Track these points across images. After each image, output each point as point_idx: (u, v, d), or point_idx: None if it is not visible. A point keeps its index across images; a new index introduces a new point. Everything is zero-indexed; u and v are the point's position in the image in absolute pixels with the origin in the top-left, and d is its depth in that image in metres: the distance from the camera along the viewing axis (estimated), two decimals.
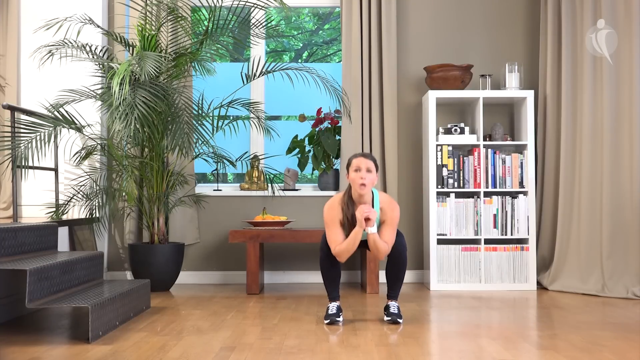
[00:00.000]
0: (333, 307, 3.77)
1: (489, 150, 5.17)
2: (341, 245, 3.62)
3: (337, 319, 3.73)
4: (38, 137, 4.57)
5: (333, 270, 3.76)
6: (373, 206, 3.69)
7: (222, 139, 5.57)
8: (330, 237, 3.65)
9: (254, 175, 5.61)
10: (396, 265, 3.76)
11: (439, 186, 5.17)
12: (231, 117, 5.37)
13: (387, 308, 3.79)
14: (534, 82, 5.61)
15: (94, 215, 5.10)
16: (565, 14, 5.12)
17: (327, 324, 3.72)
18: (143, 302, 4.17)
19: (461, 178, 5.17)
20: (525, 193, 5.16)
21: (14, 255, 3.63)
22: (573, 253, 5.02)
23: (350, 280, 5.60)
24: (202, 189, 5.70)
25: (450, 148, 5.17)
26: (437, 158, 5.17)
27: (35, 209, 5.33)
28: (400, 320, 3.72)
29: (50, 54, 5.01)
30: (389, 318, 3.73)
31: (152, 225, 5.12)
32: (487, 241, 5.24)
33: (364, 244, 3.82)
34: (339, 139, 5.52)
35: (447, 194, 5.17)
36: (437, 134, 5.30)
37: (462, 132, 5.22)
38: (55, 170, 5.01)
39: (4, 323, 3.82)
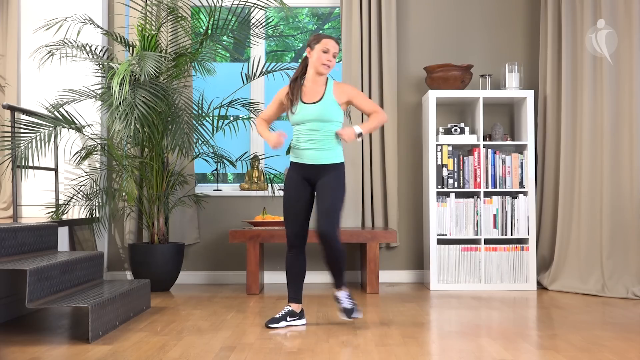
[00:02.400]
0: (282, 311, 3.72)
1: (489, 150, 5.18)
2: (260, 126, 3.83)
3: (274, 324, 3.64)
4: (38, 137, 4.57)
5: (294, 268, 3.69)
6: (324, 93, 3.65)
7: (222, 139, 5.57)
8: (267, 107, 3.89)
9: (254, 175, 5.61)
10: (327, 250, 3.60)
11: (439, 186, 5.17)
12: (231, 117, 5.37)
13: (337, 300, 3.70)
14: (534, 82, 5.61)
15: (94, 215, 5.10)
16: (565, 14, 5.12)
17: (352, 318, 3.67)
18: (143, 302, 4.17)
19: (461, 178, 5.17)
20: (525, 193, 5.16)
21: (14, 255, 3.63)
22: (573, 253, 5.02)
23: (350, 280, 5.60)
24: (202, 189, 5.70)
25: (450, 148, 5.17)
26: (437, 158, 5.17)
27: (35, 209, 5.33)
28: (358, 316, 3.66)
29: (50, 54, 5.01)
30: (344, 317, 3.64)
31: (152, 225, 5.12)
32: (487, 241, 5.24)
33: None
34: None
35: (447, 194, 5.17)
36: (437, 134, 5.30)
37: (462, 132, 5.22)
38: (55, 170, 5.01)
39: (4, 323, 3.83)
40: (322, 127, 3.64)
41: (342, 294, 3.70)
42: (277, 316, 3.69)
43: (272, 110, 3.84)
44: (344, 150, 5.44)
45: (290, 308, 3.71)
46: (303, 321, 3.75)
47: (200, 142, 5.20)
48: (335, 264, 3.63)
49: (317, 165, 3.66)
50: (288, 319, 3.68)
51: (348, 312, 3.65)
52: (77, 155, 5.14)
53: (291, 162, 3.74)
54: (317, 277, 5.59)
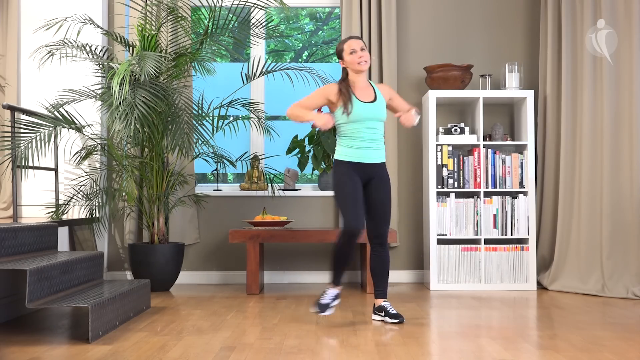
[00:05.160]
0: (331, 294, 3.77)
1: (489, 150, 5.18)
2: (298, 111, 3.73)
3: (327, 312, 3.74)
4: (38, 137, 4.57)
5: (348, 257, 3.73)
6: (375, 94, 3.77)
7: (222, 139, 5.57)
8: (307, 99, 3.79)
9: (254, 175, 5.61)
10: (382, 254, 3.79)
11: (439, 186, 5.17)
12: (231, 117, 5.37)
13: (382, 309, 3.77)
14: (534, 82, 5.61)
15: (94, 215, 5.10)
16: (565, 14, 5.12)
17: (316, 312, 3.74)
18: (143, 302, 4.17)
19: (461, 178, 5.17)
20: (525, 193, 5.16)
21: (14, 255, 3.63)
22: (573, 253, 5.02)
23: (350, 280, 5.60)
24: (202, 189, 5.70)
25: (450, 148, 5.17)
26: (437, 158, 5.17)
27: (35, 209, 5.33)
28: (405, 320, 3.74)
29: (50, 54, 5.01)
30: (396, 320, 3.70)
31: (152, 225, 5.12)
32: (487, 241, 5.24)
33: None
34: None
35: (447, 194, 5.17)
36: (437, 134, 5.30)
37: (462, 132, 5.22)
38: (55, 170, 5.01)
39: (4, 323, 3.83)
40: (378, 126, 3.76)
41: (388, 303, 3.80)
42: (326, 302, 3.74)
43: (314, 104, 3.78)
44: None
45: (338, 291, 3.80)
46: (339, 300, 3.93)
47: (200, 142, 5.20)
48: (385, 269, 3.80)
49: (374, 164, 3.76)
50: (334, 302, 3.78)
51: (396, 316, 3.73)
52: (77, 155, 5.14)
53: (341, 160, 3.74)
54: (317, 277, 5.59)
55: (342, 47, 3.79)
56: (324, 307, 3.74)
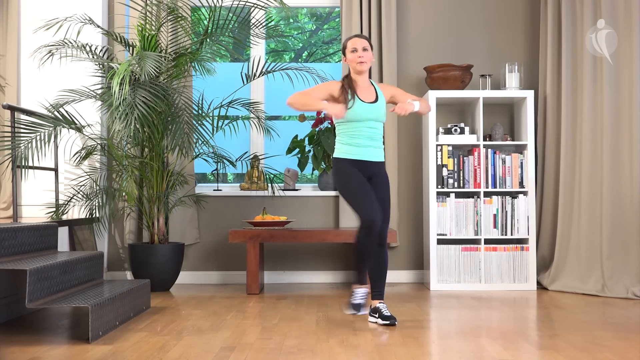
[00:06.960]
0: (361, 293, 3.70)
1: (489, 150, 5.18)
2: (305, 98, 3.63)
3: (362, 311, 3.69)
4: (38, 137, 4.57)
5: (370, 251, 3.65)
6: (376, 95, 3.78)
7: (222, 139, 5.57)
8: (311, 90, 3.70)
9: (254, 175, 5.61)
10: (380, 253, 3.77)
11: (439, 186, 5.17)
12: (231, 117, 5.37)
13: (377, 310, 3.74)
14: (534, 82, 5.61)
15: (94, 215, 5.10)
16: (565, 14, 5.12)
17: (353, 313, 3.69)
18: (143, 302, 4.17)
19: (461, 178, 5.17)
20: (525, 193, 5.16)
21: (14, 255, 3.63)
22: (573, 253, 5.02)
23: (350, 280, 5.60)
24: (202, 189, 5.70)
25: (450, 148, 5.17)
26: (437, 158, 5.17)
27: (35, 209, 5.33)
28: (396, 322, 3.71)
29: (50, 54, 5.01)
30: (387, 322, 3.66)
31: (152, 225, 5.12)
32: (487, 241, 5.24)
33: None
34: None
35: (447, 194, 5.17)
36: (437, 134, 5.30)
37: (462, 132, 5.22)
38: (55, 170, 5.01)
39: (4, 323, 3.83)
40: (378, 126, 3.77)
41: (384, 306, 3.76)
42: (359, 301, 3.68)
43: (318, 96, 3.70)
44: None
45: (366, 289, 3.73)
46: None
47: (200, 142, 5.20)
48: (384, 270, 3.80)
49: (374, 162, 3.76)
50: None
51: (389, 317, 3.68)
52: (77, 155, 5.14)
53: (342, 158, 3.72)
54: (317, 277, 5.59)
55: (346, 43, 3.81)
56: (358, 307, 3.68)
